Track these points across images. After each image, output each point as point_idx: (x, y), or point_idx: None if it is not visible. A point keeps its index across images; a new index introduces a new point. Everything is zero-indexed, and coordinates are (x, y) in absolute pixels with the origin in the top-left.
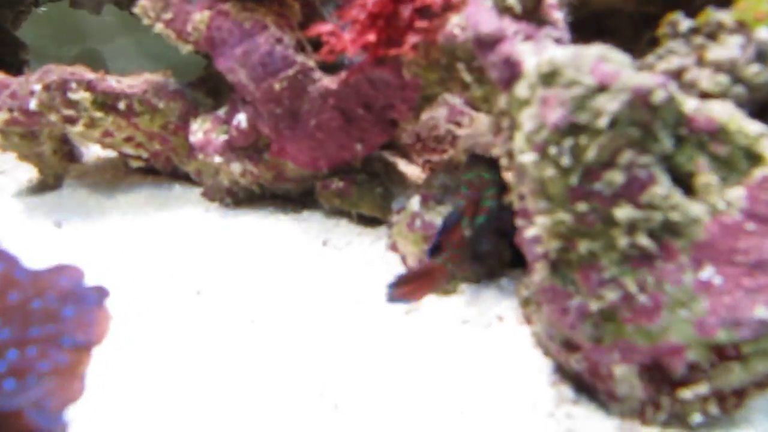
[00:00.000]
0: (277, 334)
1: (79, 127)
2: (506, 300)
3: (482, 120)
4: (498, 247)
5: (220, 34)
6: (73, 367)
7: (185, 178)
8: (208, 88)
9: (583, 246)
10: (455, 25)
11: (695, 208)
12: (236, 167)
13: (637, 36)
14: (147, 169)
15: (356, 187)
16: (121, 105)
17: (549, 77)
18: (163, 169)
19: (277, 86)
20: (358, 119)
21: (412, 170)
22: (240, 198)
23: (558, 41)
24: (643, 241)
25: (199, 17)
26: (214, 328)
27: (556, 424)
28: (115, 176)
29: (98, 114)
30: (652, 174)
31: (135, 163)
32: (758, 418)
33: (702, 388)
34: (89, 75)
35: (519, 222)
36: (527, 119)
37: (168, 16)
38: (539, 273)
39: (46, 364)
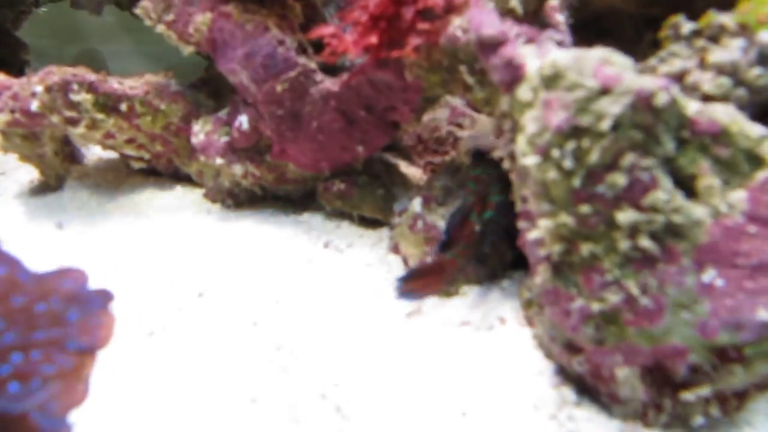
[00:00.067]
0: (279, 337)
1: (80, 129)
2: (508, 302)
3: (484, 121)
4: (500, 248)
5: (222, 36)
6: (77, 370)
7: (187, 180)
8: (210, 90)
9: (586, 248)
10: (457, 27)
11: (697, 211)
12: (238, 169)
13: (638, 38)
14: (148, 171)
15: (357, 189)
16: (123, 106)
17: (551, 80)
18: (165, 170)
19: (278, 88)
20: (360, 121)
21: (413, 172)
22: (241, 199)
23: (560, 44)
24: (645, 243)
25: (201, 19)
26: (216, 331)
27: (558, 426)
28: (117, 178)
29: (100, 115)
30: (654, 176)
31: (136, 165)
32: (760, 420)
33: (704, 390)
34: (91, 76)
35: (521, 224)
36: (530, 122)
37: (170, 17)
38: (541, 275)
39: (50, 367)
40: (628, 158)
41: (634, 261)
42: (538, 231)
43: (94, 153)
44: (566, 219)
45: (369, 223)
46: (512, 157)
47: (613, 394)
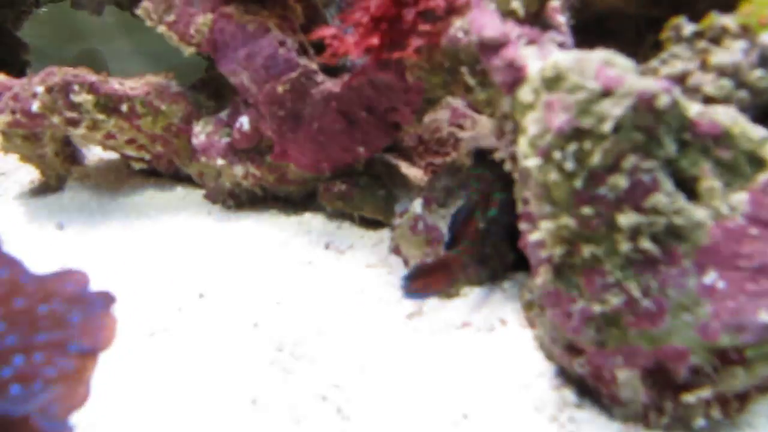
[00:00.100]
0: (280, 338)
1: (81, 130)
2: (509, 303)
3: (485, 122)
4: (501, 249)
5: (223, 37)
6: (78, 372)
7: (187, 180)
8: (211, 91)
9: (587, 250)
10: (458, 28)
11: (699, 213)
12: (238, 169)
13: (640, 39)
14: (149, 171)
15: (358, 190)
16: (124, 107)
17: (553, 82)
18: (166, 171)
19: (279, 89)
20: (361, 122)
21: (414, 173)
22: (242, 200)
23: (561, 45)
24: (647, 245)
25: (202, 20)
26: (217, 332)
27: (559, 428)
28: (117, 178)
29: (101, 116)
30: (655, 178)
31: (137, 165)
32: (761, 422)
33: (705, 392)
34: (92, 77)
35: (522, 226)
36: (531, 123)
37: (171, 18)
38: (543, 276)
39: (52, 370)
40: (630, 160)
41: (636, 263)
42: (539, 233)
43: (95, 153)
44: (567, 221)
45: (370, 224)
46: (514, 158)
47: (614, 396)
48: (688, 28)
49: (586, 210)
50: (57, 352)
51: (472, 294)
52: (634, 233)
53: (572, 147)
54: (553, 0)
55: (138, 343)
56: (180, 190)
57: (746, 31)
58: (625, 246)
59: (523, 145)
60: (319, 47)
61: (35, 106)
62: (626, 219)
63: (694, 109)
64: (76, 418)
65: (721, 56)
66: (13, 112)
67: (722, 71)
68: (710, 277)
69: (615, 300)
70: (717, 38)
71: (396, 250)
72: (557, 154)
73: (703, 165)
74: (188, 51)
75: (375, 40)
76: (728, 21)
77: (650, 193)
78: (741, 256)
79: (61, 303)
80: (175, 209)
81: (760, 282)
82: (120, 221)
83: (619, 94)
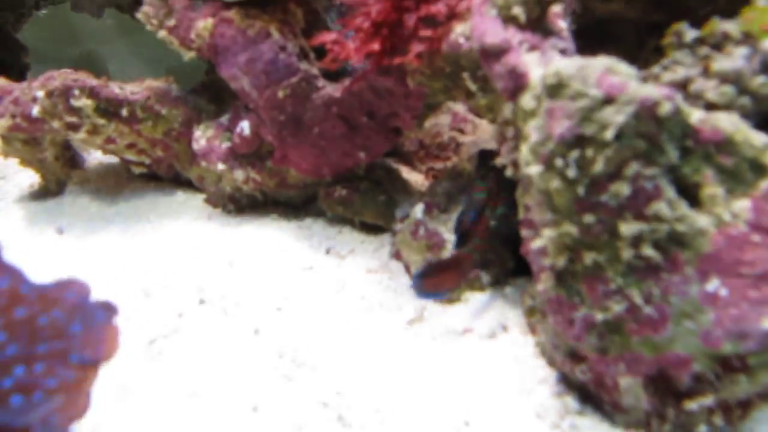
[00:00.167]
0: (281, 344)
1: (81, 134)
2: (510, 309)
3: (485, 127)
4: (502, 255)
5: (224, 42)
6: (79, 383)
7: (188, 185)
8: (211, 95)
9: (589, 257)
10: (459, 34)
11: (701, 220)
12: (239, 174)
13: (641, 43)
14: (149, 176)
15: (359, 195)
16: (124, 112)
17: (555, 89)
18: (166, 175)
19: (280, 94)
20: (362, 127)
21: (415, 177)
22: (243, 205)
23: (563, 52)
24: (649, 252)
25: (203, 24)
26: (218, 338)
27: None
28: (118, 182)
29: (101, 121)
30: (658, 186)
31: (137, 170)
32: (763, 430)
33: (707, 400)
34: (92, 81)
35: (524, 232)
36: (533, 131)
37: (171, 22)
38: (544, 283)
39: (52, 380)
40: (632, 167)
41: (638, 270)
42: (541, 240)
43: (95, 158)
44: (570, 228)
45: (371, 229)
46: (515, 164)
47: (617, 403)
48: (690, 34)
49: (588, 217)
50: (58, 363)
51: (473, 299)
52: (636, 240)
53: (574, 154)
54: (555, 5)
55: (138, 350)
56: (180, 195)
57: (748, 38)
58: (627, 253)
59: (525, 152)
60: (320, 52)
61: (35, 111)
62: (628, 226)
63: (696, 115)
64: (77, 429)
65: (723, 63)
66: (14, 116)
67: (724, 78)
68: (712, 284)
69: (617, 307)
70: (719, 44)
71: (397, 256)
72: (559, 162)
73: (705, 172)
74: (189, 55)
75: (376, 46)
76: (730, 27)
77: (652, 201)
78: (743, 263)
79: (61, 313)
80: (176, 214)
81: (762, 289)
82: (120, 225)
83: (621, 101)
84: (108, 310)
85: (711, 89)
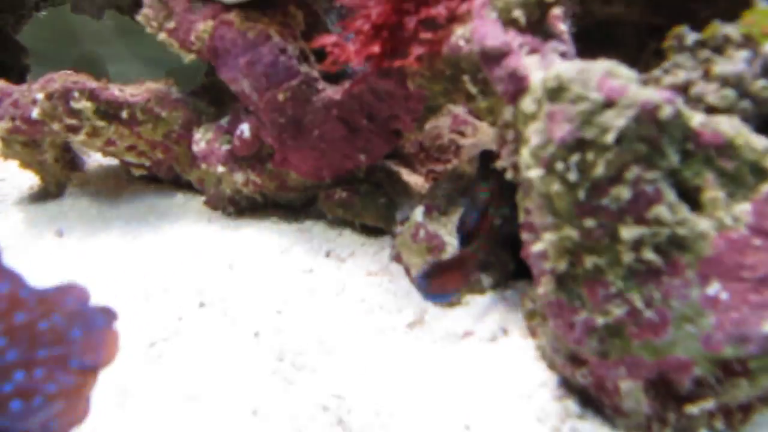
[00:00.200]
0: (281, 348)
1: (81, 136)
2: (511, 312)
3: (486, 129)
4: (503, 257)
5: (224, 44)
6: (79, 388)
7: (187, 187)
8: (211, 97)
9: (590, 261)
10: (460, 36)
11: (702, 224)
12: (239, 177)
13: (642, 46)
14: (149, 178)
15: (359, 197)
16: (124, 114)
17: (555, 92)
18: (166, 177)
19: (280, 96)
20: (362, 130)
21: (415, 180)
22: (242, 207)
23: (563, 55)
24: (650, 256)
25: (203, 27)
26: (218, 341)
27: None
28: (117, 185)
29: (101, 123)
30: (658, 189)
31: (137, 172)
32: None
33: (708, 404)
34: (92, 84)
35: (524, 236)
36: (534, 134)
37: (171, 25)
38: (545, 287)
39: (52, 385)
40: (633, 171)
41: (638, 274)
42: (541, 244)
43: (95, 160)
44: (570, 232)
45: (371, 231)
46: (515, 167)
47: (617, 407)
48: (691, 37)
49: (589, 221)
50: (58, 368)
51: (473, 302)
52: (637, 244)
53: (575, 158)
54: (555, 8)
55: (138, 353)
56: (180, 197)
57: (749, 41)
58: (627, 257)
59: (525, 155)
60: (320, 54)
61: (35, 113)
62: (629, 230)
63: (696, 119)
64: None
65: (724, 66)
66: (13, 118)
67: (725, 81)
68: (713, 288)
69: (618, 311)
70: (720, 48)
71: (397, 258)
72: (560, 165)
73: (706, 175)
74: (188, 58)
75: (376, 48)
76: (731, 30)
77: (653, 204)
78: (744, 266)
79: (61, 318)
80: (176, 216)
81: (763, 293)
82: (120, 228)
83: (621, 104)
84: (108, 315)
85: (712, 92)
